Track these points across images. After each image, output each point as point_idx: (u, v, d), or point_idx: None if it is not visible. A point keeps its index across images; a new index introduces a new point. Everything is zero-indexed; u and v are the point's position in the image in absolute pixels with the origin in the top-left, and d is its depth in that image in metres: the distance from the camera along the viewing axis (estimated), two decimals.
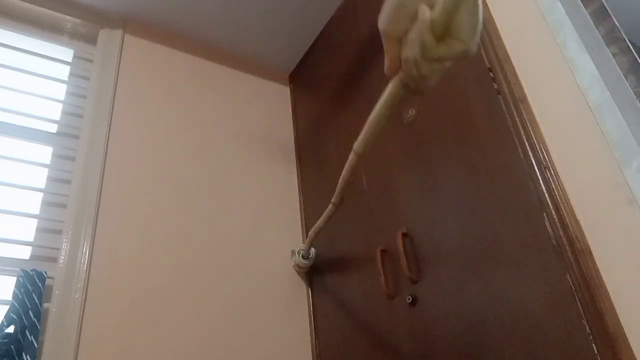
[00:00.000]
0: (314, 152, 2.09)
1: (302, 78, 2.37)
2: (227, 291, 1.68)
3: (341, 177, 1.08)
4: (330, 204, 1.26)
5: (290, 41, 2.29)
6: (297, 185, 2.11)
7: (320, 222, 1.44)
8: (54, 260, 1.49)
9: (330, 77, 2.10)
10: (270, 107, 2.27)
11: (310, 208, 2.01)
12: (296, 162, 2.17)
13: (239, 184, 1.93)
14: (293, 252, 1.86)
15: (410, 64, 0.62)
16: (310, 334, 1.76)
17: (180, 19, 2.12)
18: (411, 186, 1.46)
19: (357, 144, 0.92)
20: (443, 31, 0.58)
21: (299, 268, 1.85)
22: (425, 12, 0.57)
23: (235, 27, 2.19)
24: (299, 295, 1.84)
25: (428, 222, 1.38)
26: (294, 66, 2.42)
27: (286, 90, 2.40)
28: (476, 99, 1.30)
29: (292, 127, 2.28)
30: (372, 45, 1.81)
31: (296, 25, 2.21)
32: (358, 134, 1.74)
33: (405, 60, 0.63)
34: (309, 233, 1.58)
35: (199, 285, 1.64)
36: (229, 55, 2.28)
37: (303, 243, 1.94)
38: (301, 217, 2.02)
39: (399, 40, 0.64)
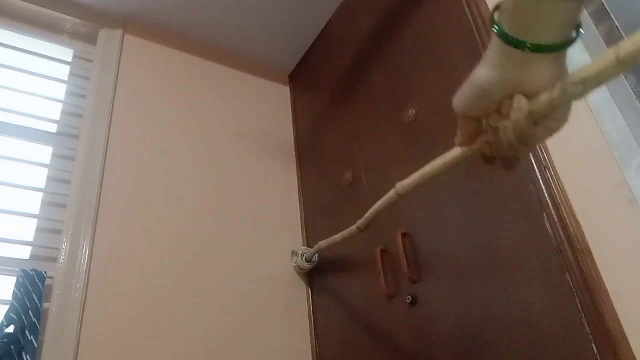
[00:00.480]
0: (314, 152, 2.09)
1: (302, 78, 2.37)
2: (226, 291, 1.67)
3: (375, 207, 1.04)
4: (355, 227, 1.23)
5: (290, 41, 2.29)
6: (297, 186, 2.11)
7: (336, 238, 1.42)
8: (54, 260, 1.49)
9: (330, 77, 2.10)
10: (270, 107, 2.27)
11: (310, 208, 2.01)
12: (296, 162, 2.17)
13: (239, 184, 1.93)
14: (294, 253, 1.86)
15: (503, 147, 0.57)
16: (311, 334, 1.76)
17: (180, 19, 2.12)
18: None
19: (402, 187, 0.89)
20: (542, 117, 0.54)
21: (300, 269, 1.85)
22: (523, 104, 0.53)
23: (235, 27, 2.19)
24: (299, 295, 1.84)
25: (428, 222, 1.38)
26: (294, 66, 2.42)
27: (286, 90, 2.39)
28: None
29: (292, 127, 2.28)
30: (372, 45, 1.81)
31: (296, 25, 2.21)
32: (357, 134, 1.76)
33: (495, 142, 0.58)
34: (320, 243, 1.56)
35: (199, 285, 1.64)
36: (228, 55, 2.28)
37: (303, 243, 1.94)
38: (301, 217, 2.02)
39: (478, 120, 0.60)
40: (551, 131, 0.55)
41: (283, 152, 2.17)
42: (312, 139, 2.14)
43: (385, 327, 1.47)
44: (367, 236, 1.58)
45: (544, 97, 0.52)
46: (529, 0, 0.47)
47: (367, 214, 1.12)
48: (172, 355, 1.49)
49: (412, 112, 1.52)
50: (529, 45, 0.50)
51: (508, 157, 0.60)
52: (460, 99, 0.59)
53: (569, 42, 0.50)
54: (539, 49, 0.50)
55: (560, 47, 0.50)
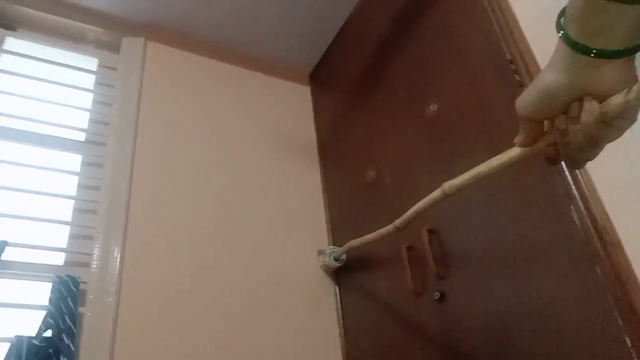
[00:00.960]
0: (337, 151, 2.10)
1: (322, 77, 2.38)
2: (254, 292, 1.70)
3: (416, 206, 1.03)
4: (392, 227, 1.22)
5: (309, 41, 2.30)
6: (320, 185, 2.12)
7: (369, 237, 1.42)
8: (87, 265, 1.53)
9: (350, 74, 2.10)
10: (291, 108, 2.29)
11: (334, 207, 2.02)
12: (319, 161, 2.18)
13: (263, 186, 1.95)
14: (321, 252, 1.87)
15: (572, 149, 0.58)
16: (340, 332, 1.77)
17: (200, 25, 2.15)
18: (434, 181, 1.45)
19: (450, 186, 0.88)
20: (613, 118, 0.54)
21: (327, 268, 1.86)
22: (594, 107, 0.53)
23: (254, 29, 2.21)
24: (326, 294, 1.85)
25: (453, 218, 1.37)
26: (314, 66, 2.43)
27: (307, 90, 2.41)
28: (498, 91, 1.29)
29: (313, 127, 2.29)
30: (391, 41, 1.80)
31: (315, 24, 2.22)
32: (379, 131, 1.76)
33: (563, 144, 0.59)
34: (351, 242, 1.57)
35: (227, 287, 1.66)
36: (248, 58, 2.30)
37: (329, 242, 1.95)
38: (326, 216, 2.03)
39: (540, 122, 0.61)
40: (621, 131, 0.56)
41: (305, 152, 2.18)
42: (333, 137, 2.15)
43: (414, 324, 1.47)
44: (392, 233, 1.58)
45: (618, 99, 0.52)
46: (595, 6, 0.47)
47: (408, 213, 1.10)
48: (201, 355, 1.51)
49: (433, 107, 1.52)
50: (595, 52, 0.50)
51: (577, 159, 0.61)
52: (525, 102, 0.59)
53: (636, 48, 0.50)
54: (605, 55, 0.50)
55: (627, 53, 0.50)
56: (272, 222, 1.89)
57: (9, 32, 1.91)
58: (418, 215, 1.07)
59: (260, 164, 2.01)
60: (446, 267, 1.36)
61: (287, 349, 1.65)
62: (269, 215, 1.90)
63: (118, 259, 1.54)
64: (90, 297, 1.47)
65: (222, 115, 2.05)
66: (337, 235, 1.95)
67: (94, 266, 1.52)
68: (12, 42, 1.92)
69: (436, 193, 0.94)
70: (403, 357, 1.49)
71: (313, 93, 2.40)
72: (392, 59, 1.78)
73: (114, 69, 1.97)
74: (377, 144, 1.79)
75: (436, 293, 1.36)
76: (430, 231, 1.42)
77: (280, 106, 2.25)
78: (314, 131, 2.28)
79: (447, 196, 0.92)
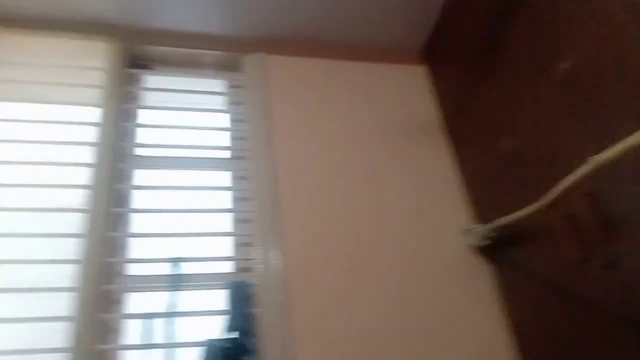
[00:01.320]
0: (463, 126, 2.05)
1: (436, 54, 2.33)
2: (408, 279, 1.73)
3: (563, 182, 1.00)
4: (541, 203, 1.18)
5: (417, 19, 2.27)
6: (450, 163, 2.09)
7: (519, 214, 1.39)
8: (253, 269, 1.66)
9: (466, 44, 2.04)
10: (409, 90, 2.28)
11: (472, 184, 1.97)
12: (447, 140, 2.15)
13: (396, 173, 1.97)
14: (467, 231, 1.84)
15: None
16: (502, 311, 1.74)
17: (309, 28, 2.22)
18: (576, 144, 1.38)
19: (600, 157, 0.85)
20: None
21: (475, 247, 1.83)
22: None
23: (361, 20, 2.23)
24: (479, 273, 1.81)
25: (611, 180, 1.28)
26: (424, 44, 2.39)
27: (421, 70, 2.37)
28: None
29: (433, 106, 2.26)
30: (506, 6, 1.73)
31: (419, 2, 2.19)
32: (509, 99, 1.69)
33: None
34: (499, 219, 1.54)
35: (382, 272, 1.72)
36: (361, 50, 2.34)
37: (472, 220, 1.91)
38: (463, 193, 1.99)
39: None
40: None
41: (429, 132, 2.17)
42: (457, 113, 2.11)
43: (582, 296, 1.40)
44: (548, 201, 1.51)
45: None
46: None
47: (555, 190, 1.07)
48: (371, 337, 1.58)
49: (566, 65, 1.43)
50: None
51: None
52: None
53: None
54: None
55: None
56: (411, 208, 1.90)
57: (146, 71, 2.13)
58: (568, 189, 1.02)
59: (391, 153, 2.03)
60: (612, 232, 1.27)
61: (450, 333, 1.65)
62: (407, 202, 1.91)
63: (279, 261, 1.65)
64: (262, 298, 1.59)
65: (346, 110, 2.10)
66: (479, 211, 1.91)
67: (260, 269, 1.64)
68: (151, 80, 2.13)
69: (585, 168, 0.90)
70: (575, 332, 1.42)
71: (428, 72, 2.37)
72: (514, 17, 1.70)
73: (241, 87, 2.11)
74: (509, 112, 1.72)
75: (605, 259, 1.28)
76: (587, 195, 1.34)
77: (399, 90, 2.25)
78: (435, 110, 2.25)
79: (596, 170, 0.86)
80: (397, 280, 1.71)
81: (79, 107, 1.90)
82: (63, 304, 1.48)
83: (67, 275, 1.53)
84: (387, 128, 2.11)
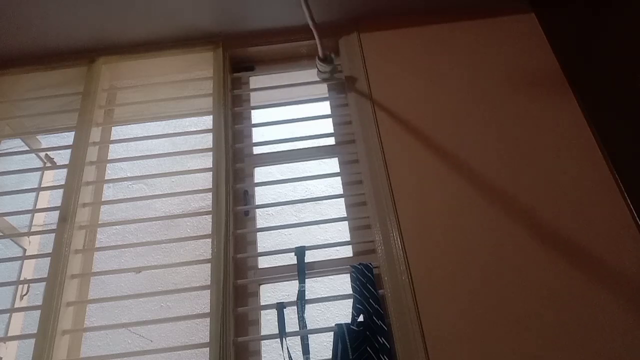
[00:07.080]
0: (590, 70, 1.83)
1: None
2: (534, 259, 1.61)
3: None
4: None
5: None
6: (579, 110, 1.87)
7: None
8: (373, 251, 1.66)
9: None
10: (522, 40, 2.10)
11: (610, 129, 1.74)
12: (571, 88, 1.93)
13: (522, 133, 1.83)
14: None
15: None
16: None
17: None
18: None
19: None
20: None
21: None
22: None
23: None
24: None
25: None
26: None
27: (532, 17, 2.17)
28: None
29: (551, 50, 2.05)
30: None
31: None
32: (632, 33, 1.47)
33: None
34: None
35: (501, 250, 1.61)
36: (459, 9, 2.20)
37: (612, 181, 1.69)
38: (600, 149, 1.77)
39: None
40: None
41: (553, 83, 1.97)
42: (580, 57, 1.89)
43: None
44: None
45: None
46: None
47: None
48: (496, 318, 1.50)
49: None
50: None
51: None
52: None
53: None
54: None
55: None
56: (545, 165, 1.76)
57: (250, 72, 2.21)
58: None
59: (512, 110, 1.89)
60: None
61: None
62: (538, 159, 1.77)
63: (398, 240, 1.63)
64: (385, 278, 1.58)
65: (453, 76, 2.00)
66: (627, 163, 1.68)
67: (380, 251, 1.63)
68: (254, 80, 2.21)
69: None
70: None
71: (540, 17, 2.16)
72: None
73: (340, 71, 2.10)
74: None
75: None
76: None
77: (512, 42, 2.09)
78: (553, 55, 2.04)
79: None
80: (520, 257, 1.60)
81: (193, 117, 2.04)
82: (203, 302, 1.60)
83: (203, 274, 1.65)
84: (507, 84, 1.96)
